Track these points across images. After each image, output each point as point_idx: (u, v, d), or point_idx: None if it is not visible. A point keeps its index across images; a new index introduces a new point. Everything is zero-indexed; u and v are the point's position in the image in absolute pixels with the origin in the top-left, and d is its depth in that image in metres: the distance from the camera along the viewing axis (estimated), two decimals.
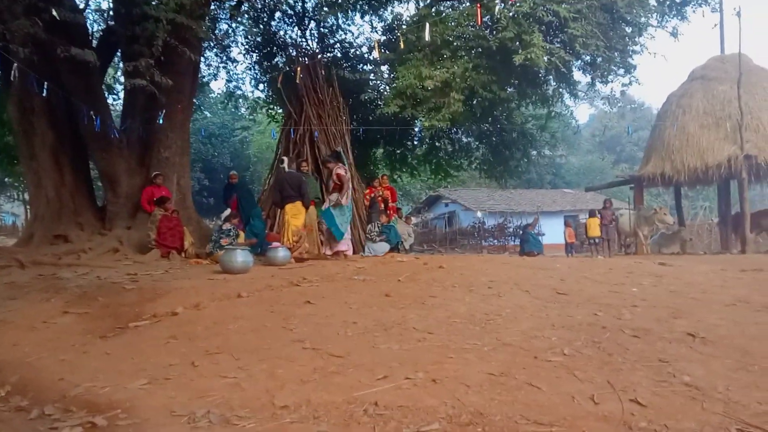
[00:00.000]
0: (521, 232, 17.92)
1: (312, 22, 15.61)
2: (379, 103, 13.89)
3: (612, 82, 12.50)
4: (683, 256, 13.20)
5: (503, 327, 4.32)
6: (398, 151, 17.31)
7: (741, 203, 13.55)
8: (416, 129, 15.22)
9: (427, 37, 10.54)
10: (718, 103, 13.81)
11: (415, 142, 17.24)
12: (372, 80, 15.11)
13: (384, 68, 15.09)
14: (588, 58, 11.95)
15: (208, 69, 16.47)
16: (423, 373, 3.12)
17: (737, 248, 14.10)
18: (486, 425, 2.40)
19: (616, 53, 11.75)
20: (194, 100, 13.71)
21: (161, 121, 10.39)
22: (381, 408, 2.61)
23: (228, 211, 10.11)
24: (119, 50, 11.53)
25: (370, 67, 15.56)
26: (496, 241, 25.11)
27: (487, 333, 4.13)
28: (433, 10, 12.33)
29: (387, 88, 14.13)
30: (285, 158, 10.37)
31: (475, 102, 13.04)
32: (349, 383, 2.98)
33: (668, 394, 2.85)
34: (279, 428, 2.41)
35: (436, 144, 16.78)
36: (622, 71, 12.33)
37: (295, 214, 9.14)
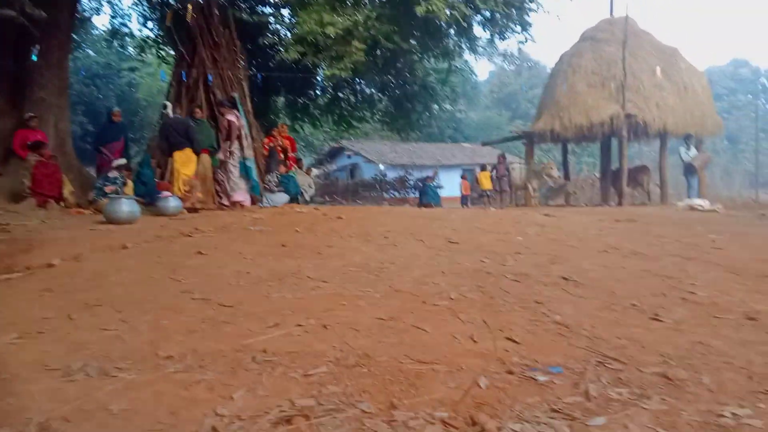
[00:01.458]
0: (421, 184, 18.32)
1: None
2: (280, 49, 13.43)
3: (509, 38, 12.86)
4: (567, 207, 14.14)
5: (396, 275, 4.44)
6: (300, 101, 16.94)
7: (620, 159, 14.63)
8: (318, 78, 14.92)
9: None
10: (604, 64, 14.65)
11: (318, 92, 16.95)
12: (272, 24, 14.53)
13: (285, 12, 14.54)
14: (487, 13, 12.16)
15: (90, 2, 15.06)
16: (314, 320, 3.15)
17: (615, 201, 15.30)
18: (372, 366, 2.48)
19: (513, 9, 12.04)
20: (73, 36, 12.53)
21: (35, 58, 9.44)
22: (269, 355, 2.61)
23: (122, 161, 9.48)
24: None
25: (271, 10, 14.93)
26: (397, 193, 25.54)
27: (380, 281, 4.22)
28: None
29: (288, 33, 13.67)
30: (168, 103, 9.79)
31: (377, 52, 12.95)
32: (239, 332, 2.95)
33: (541, 332, 3.07)
34: (161, 378, 2.35)
35: (339, 94, 16.59)
36: (519, 28, 12.70)
37: (185, 162, 8.73)
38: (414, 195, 23.84)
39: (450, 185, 23.18)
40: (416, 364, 2.52)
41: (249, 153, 9.45)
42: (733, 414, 2.05)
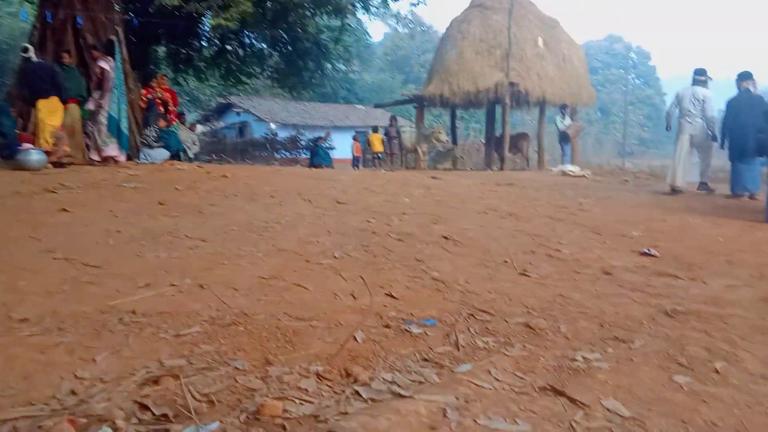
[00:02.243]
0: (312, 145, 18.10)
1: None
2: None
3: None
4: (453, 171, 14.64)
5: (281, 234, 4.37)
6: (183, 51, 15.92)
7: (503, 126, 15.30)
8: (203, 28, 14.08)
9: None
10: (491, 32, 15.10)
11: (203, 43, 16.00)
12: None
13: None
14: None
15: None
16: (190, 279, 3.04)
17: (498, 166, 16.05)
18: (249, 324, 2.43)
19: None
20: None
21: None
22: (138, 316, 2.49)
23: None
24: None
25: None
26: (288, 153, 25.07)
27: (263, 240, 4.14)
28: None
29: None
30: (30, 46, 8.81)
31: (267, 4, 12.42)
32: (105, 293, 2.77)
33: (419, 288, 3.17)
34: (14, 342, 2.16)
35: (226, 47, 15.79)
36: None
37: (51, 112, 7.94)
38: (305, 156, 23.54)
39: (342, 147, 23.11)
40: (295, 321, 2.51)
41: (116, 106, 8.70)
42: (584, 358, 2.25)
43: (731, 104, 7.83)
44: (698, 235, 5.26)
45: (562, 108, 15.11)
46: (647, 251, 4.32)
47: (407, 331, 2.50)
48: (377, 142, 16.69)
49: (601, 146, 38.10)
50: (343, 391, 1.90)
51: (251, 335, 2.32)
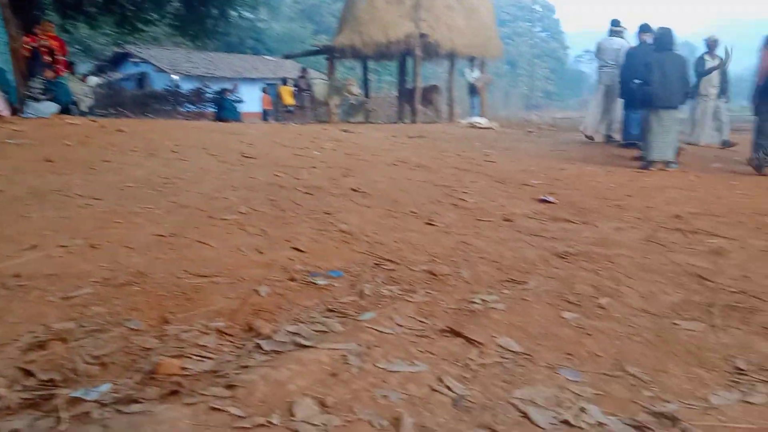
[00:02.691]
0: (219, 98, 17.33)
1: None
2: None
3: None
4: (365, 124, 14.57)
5: (183, 190, 4.19)
6: None
7: (415, 78, 15.31)
8: None
9: None
10: None
11: None
12: None
13: None
14: None
15: None
16: (81, 239, 2.85)
17: (410, 118, 16.12)
18: (145, 283, 2.34)
19: None
20: None
21: None
22: (23, 279, 2.31)
23: None
24: None
25: None
26: (192, 107, 23.88)
27: (163, 196, 3.95)
28: None
29: None
30: None
31: None
32: None
33: (326, 240, 3.17)
34: None
35: None
36: None
37: None
38: (212, 109, 22.55)
39: (251, 100, 22.31)
40: (195, 278, 2.44)
41: None
42: (483, 300, 2.35)
43: (629, 55, 8.15)
44: (592, 182, 5.59)
45: (471, 60, 15.30)
46: (545, 198, 4.54)
47: (313, 283, 2.50)
48: (287, 94, 16.24)
49: (509, 99, 39.15)
50: (245, 346, 1.88)
51: (148, 294, 2.22)
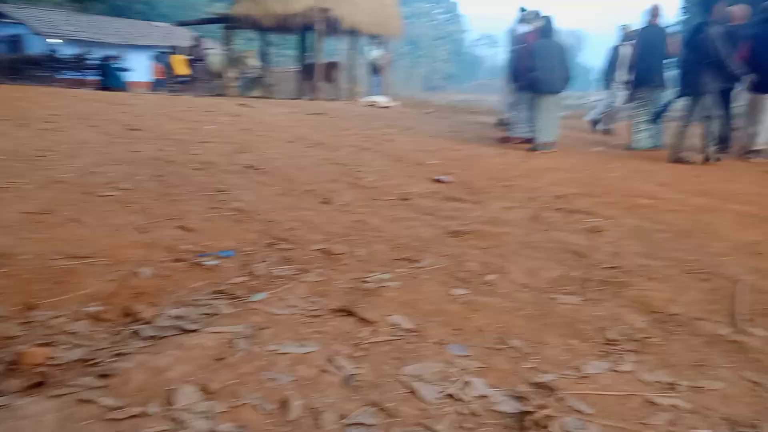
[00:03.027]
0: (103, 65, 16.08)
1: None
2: None
3: None
4: (264, 99, 14.16)
5: (58, 163, 3.87)
6: None
7: (316, 53, 15.04)
8: None
9: None
10: None
11: None
12: None
13: None
14: None
15: None
16: None
17: (311, 95, 15.85)
18: (10, 265, 2.12)
19: None
20: None
21: None
22: None
23: None
24: None
25: None
26: (73, 74, 22.01)
27: (35, 170, 3.62)
28: None
29: None
30: None
31: None
32: None
33: (217, 219, 3.04)
34: None
35: None
36: None
37: None
38: (95, 77, 20.94)
39: (140, 69, 20.92)
40: (68, 259, 2.25)
41: None
42: (377, 279, 2.36)
43: (517, 41, 8.39)
44: (485, 163, 5.79)
45: (373, 38, 15.28)
46: (441, 178, 4.64)
47: (201, 264, 2.39)
48: (180, 64, 15.38)
49: (410, 79, 39.64)
50: (122, 332, 1.76)
51: (12, 278, 2.02)
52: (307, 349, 1.68)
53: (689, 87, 6.38)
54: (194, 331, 1.76)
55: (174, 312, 1.89)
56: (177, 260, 2.39)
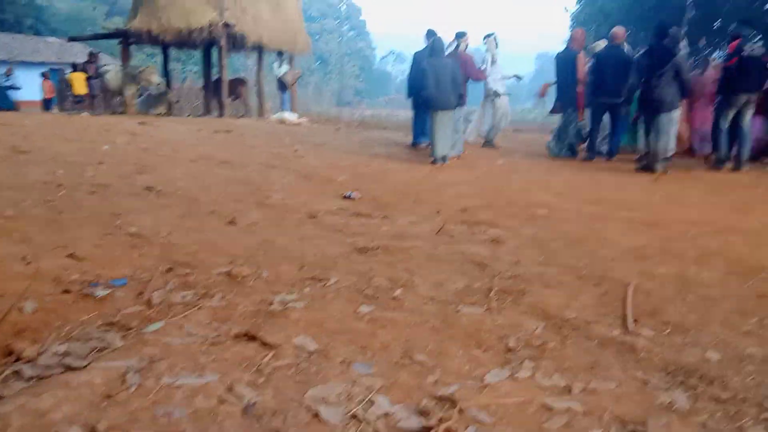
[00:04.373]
0: None
1: None
2: None
3: None
4: (168, 117, 13.66)
5: None
6: None
7: (220, 70, 14.71)
8: None
9: None
10: None
11: None
12: None
13: None
14: None
15: None
16: None
17: (217, 112, 15.46)
18: None
19: None
20: None
21: None
22: None
23: None
24: None
25: None
26: None
27: None
28: None
29: None
30: None
31: None
32: None
33: (112, 245, 2.88)
34: None
35: None
36: None
37: None
38: None
39: (31, 86, 19.60)
40: None
41: None
42: (282, 300, 2.31)
43: (416, 58, 8.55)
44: (394, 178, 5.87)
45: (279, 54, 15.16)
46: (349, 194, 4.65)
47: (92, 294, 2.24)
48: (79, 83, 14.51)
49: (321, 94, 39.66)
50: (1, 373, 1.61)
51: None
52: (205, 379, 1.61)
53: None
54: (82, 367, 1.64)
55: (60, 348, 1.76)
56: (65, 292, 2.23)
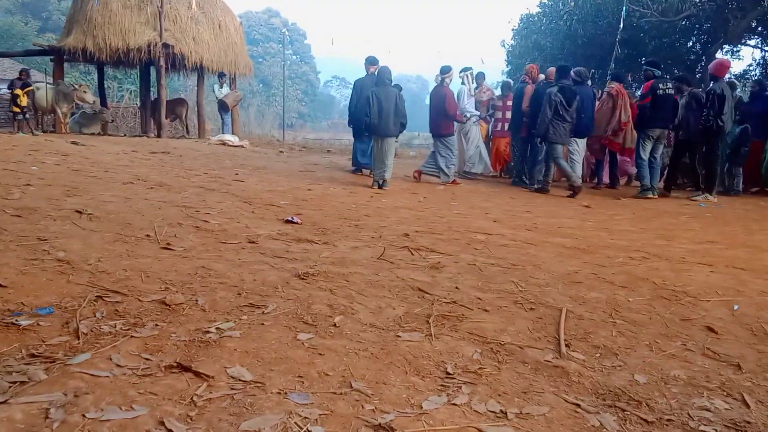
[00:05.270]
0: None
1: None
2: None
3: None
4: (102, 137, 13.20)
5: None
6: None
7: (158, 90, 14.42)
8: None
9: None
10: None
11: None
12: None
13: None
14: None
15: None
16: None
17: (155, 132, 15.09)
18: None
19: None
20: None
21: None
22: None
23: None
24: None
25: None
26: None
27: None
28: None
29: None
30: None
31: None
32: None
33: (37, 272, 2.74)
34: None
35: None
36: None
37: None
38: None
39: None
40: None
41: None
42: (218, 329, 2.26)
43: (356, 86, 8.70)
44: (335, 202, 5.88)
45: (220, 76, 15.01)
46: (291, 219, 4.62)
47: (14, 324, 2.12)
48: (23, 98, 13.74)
49: (263, 117, 39.38)
50: None
51: None
52: (134, 413, 1.54)
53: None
54: (1, 403, 1.54)
55: None
56: None
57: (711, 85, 7.82)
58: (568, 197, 7.58)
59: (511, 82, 11.47)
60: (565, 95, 7.68)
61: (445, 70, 8.75)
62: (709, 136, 7.59)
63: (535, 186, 8.35)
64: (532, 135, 8.29)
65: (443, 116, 8.48)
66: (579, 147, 8.40)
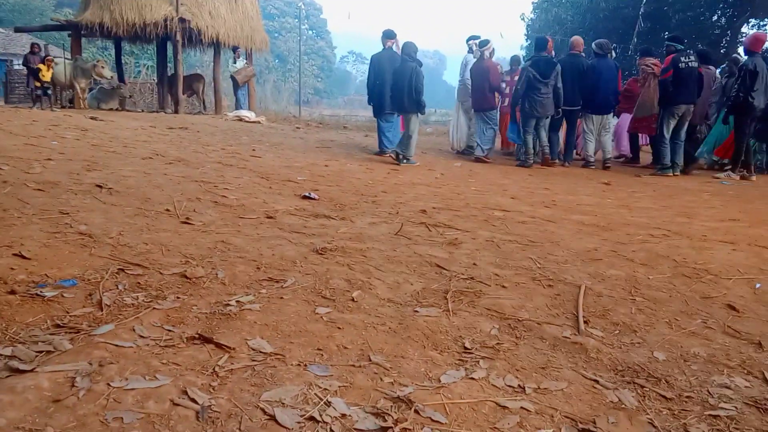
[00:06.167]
0: None
1: None
2: None
3: None
4: (120, 112, 13.28)
5: None
6: None
7: (175, 65, 14.41)
8: None
9: None
10: None
11: None
12: None
13: None
14: None
15: None
16: None
17: (173, 108, 15.13)
18: None
19: None
20: None
21: None
22: None
23: None
24: None
25: None
26: None
27: None
28: None
29: None
30: None
31: None
32: None
33: (60, 244, 2.78)
34: None
35: None
36: None
37: None
38: None
39: None
40: None
41: None
42: (238, 302, 2.28)
43: (373, 61, 8.39)
44: (353, 179, 5.87)
45: (234, 51, 14.95)
46: (308, 195, 4.62)
47: (38, 295, 2.16)
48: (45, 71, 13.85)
49: (279, 93, 39.28)
50: None
51: None
52: (157, 382, 1.57)
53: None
54: (28, 371, 1.58)
55: (5, 351, 1.69)
56: (10, 292, 2.14)
57: (744, 59, 7.61)
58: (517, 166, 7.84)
59: (521, 56, 11.24)
60: (539, 68, 7.76)
61: (484, 44, 8.72)
62: (739, 112, 7.39)
63: (516, 163, 8.43)
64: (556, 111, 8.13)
65: (487, 90, 8.42)
66: (599, 124, 8.29)
